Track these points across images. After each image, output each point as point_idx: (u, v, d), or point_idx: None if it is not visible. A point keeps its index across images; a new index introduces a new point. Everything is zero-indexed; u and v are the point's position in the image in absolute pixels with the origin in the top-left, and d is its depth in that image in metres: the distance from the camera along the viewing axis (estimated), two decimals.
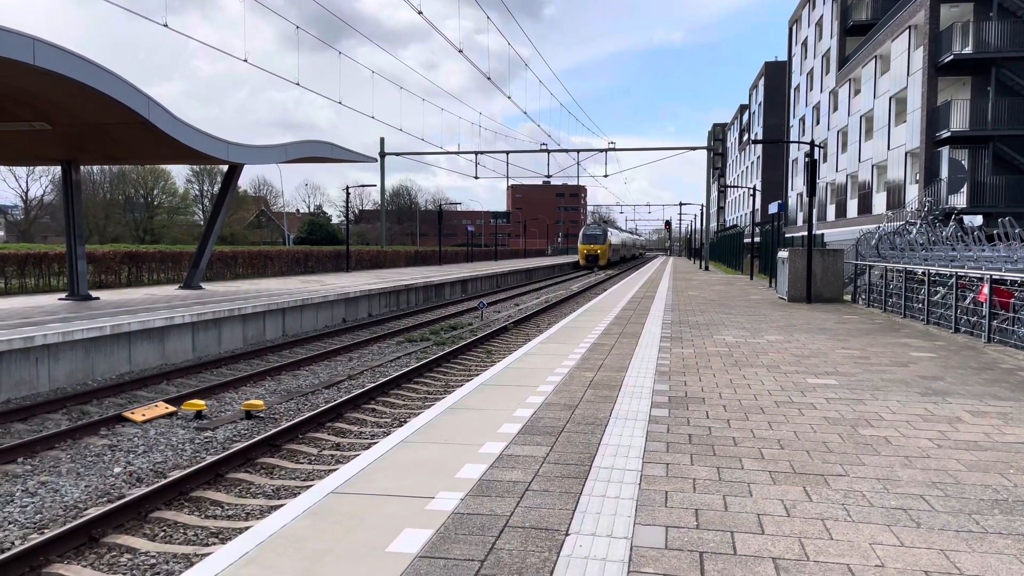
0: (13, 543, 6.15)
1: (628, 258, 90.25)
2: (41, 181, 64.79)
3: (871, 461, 5.23)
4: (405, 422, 9.80)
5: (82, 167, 20.49)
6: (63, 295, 19.72)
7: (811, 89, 57.73)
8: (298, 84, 24.48)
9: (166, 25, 15.74)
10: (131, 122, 15.75)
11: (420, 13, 19.38)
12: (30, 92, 14.07)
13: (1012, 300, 11.36)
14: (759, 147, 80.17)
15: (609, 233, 68.13)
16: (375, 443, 8.45)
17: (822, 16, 53.74)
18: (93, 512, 6.65)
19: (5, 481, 7.65)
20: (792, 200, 60.36)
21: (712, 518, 4.13)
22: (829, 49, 51.30)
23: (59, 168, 19.63)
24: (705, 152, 58.55)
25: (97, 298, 19.18)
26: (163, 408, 10.48)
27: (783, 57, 72.74)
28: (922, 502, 4.41)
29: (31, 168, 60.37)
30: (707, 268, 47.66)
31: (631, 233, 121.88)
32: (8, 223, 69.22)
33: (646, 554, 3.66)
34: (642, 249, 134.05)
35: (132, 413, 10.11)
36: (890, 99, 37.82)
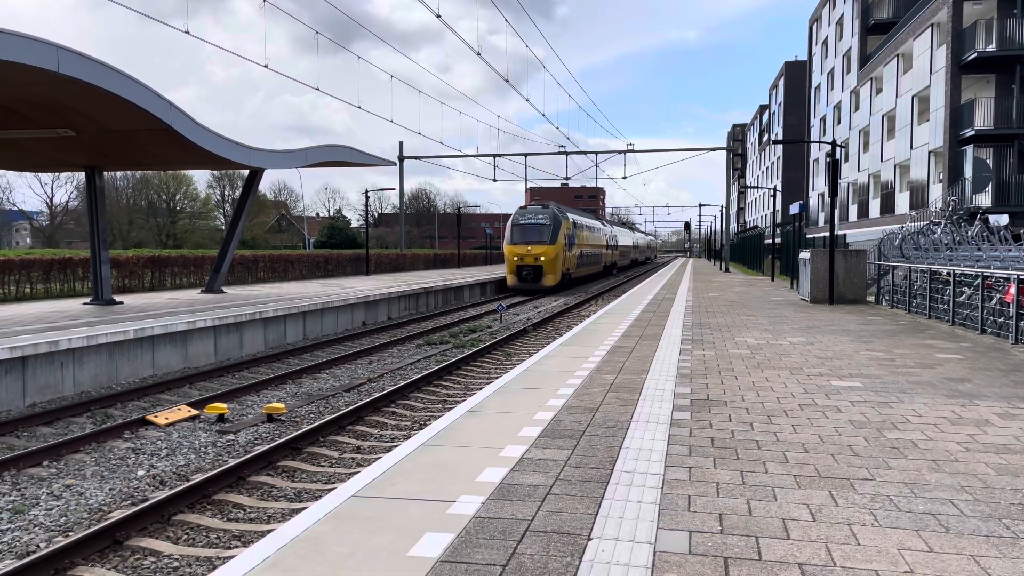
0: (39, 546, 6.21)
1: (622, 266, 63.03)
2: (66, 187, 65.75)
3: (898, 465, 5.15)
4: (425, 425, 9.80)
5: (106, 173, 20.73)
6: (87, 300, 19.95)
7: (832, 88, 57.25)
8: (318, 89, 24.66)
9: (188, 32, 15.88)
10: (154, 128, 15.91)
11: (439, 16, 19.45)
12: (55, 99, 14.25)
13: None
14: (779, 147, 79.65)
15: (564, 221, 35.53)
16: (396, 446, 8.45)
17: (843, 15, 53.30)
18: (117, 515, 6.70)
19: (31, 484, 7.73)
20: (813, 200, 59.90)
21: (736, 523, 4.08)
22: (850, 48, 50.85)
23: (83, 174, 19.87)
24: (725, 153, 58.19)
25: (121, 302, 19.37)
26: (186, 411, 10.56)
27: (803, 56, 72.28)
28: (951, 507, 4.33)
29: (56, 174, 61.18)
30: (727, 270, 47.36)
31: (626, 227, 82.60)
32: (34, 229, 70.23)
33: (670, 559, 3.62)
34: (652, 251, 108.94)
35: (155, 416, 10.19)
36: (912, 98, 37.41)
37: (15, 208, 68.34)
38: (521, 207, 36.53)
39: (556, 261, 33.97)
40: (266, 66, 19.34)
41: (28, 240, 75.24)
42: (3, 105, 14.47)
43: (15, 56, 11.62)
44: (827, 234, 20.22)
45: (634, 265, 74.59)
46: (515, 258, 33.81)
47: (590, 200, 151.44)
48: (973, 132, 30.43)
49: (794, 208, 28.77)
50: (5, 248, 59.73)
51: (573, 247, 37.19)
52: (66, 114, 15.16)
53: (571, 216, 38.37)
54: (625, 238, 66.19)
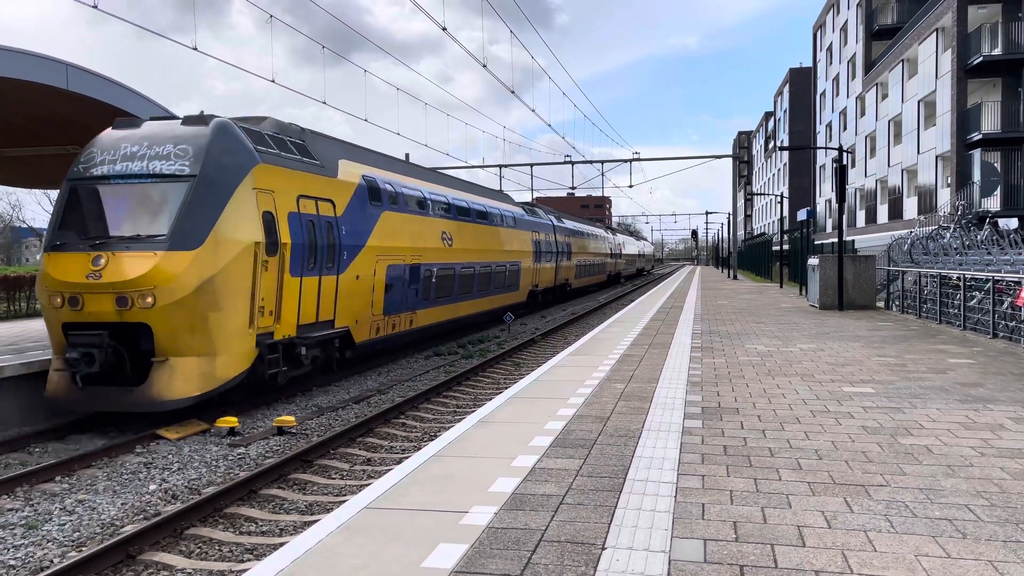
0: (52, 561, 6.22)
1: (578, 288, 39.20)
2: None
3: (912, 471, 5.12)
4: (436, 436, 9.79)
5: None
6: None
7: (837, 95, 57.20)
8: (324, 102, 24.77)
9: (196, 48, 15.98)
10: None
11: (444, 29, 19.52)
12: (64, 116, 14.37)
13: None
14: (785, 154, 79.52)
15: (268, 169, 11.33)
16: (407, 457, 8.45)
17: (847, 21, 53.31)
18: (130, 529, 6.71)
19: (44, 500, 7.75)
20: (820, 207, 59.75)
21: (751, 530, 4.05)
22: (855, 54, 50.83)
23: None
24: (731, 160, 58.05)
25: None
26: (196, 425, 10.57)
27: (807, 63, 72.28)
28: (967, 512, 4.30)
29: None
30: (735, 277, 47.27)
31: (583, 222, 45.14)
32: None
33: (685, 568, 3.60)
34: (645, 261, 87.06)
35: (166, 430, 10.20)
36: (919, 102, 37.34)
37: (25, 225, 68.76)
38: (110, 128, 11.59)
39: (206, 306, 10.41)
40: (273, 80, 19.44)
41: (38, 257, 75.71)
42: (13, 122, 14.59)
43: (24, 74, 11.73)
44: (835, 240, 20.17)
45: (616, 281, 53.93)
46: (56, 299, 10.40)
47: (596, 209, 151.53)
48: (980, 136, 30.33)
49: (802, 214, 28.74)
50: (16, 265, 60.03)
51: (325, 257, 13.16)
52: (75, 131, 15.27)
53: (351, 165, 14.80)
54: (580, 239, 38.73)
